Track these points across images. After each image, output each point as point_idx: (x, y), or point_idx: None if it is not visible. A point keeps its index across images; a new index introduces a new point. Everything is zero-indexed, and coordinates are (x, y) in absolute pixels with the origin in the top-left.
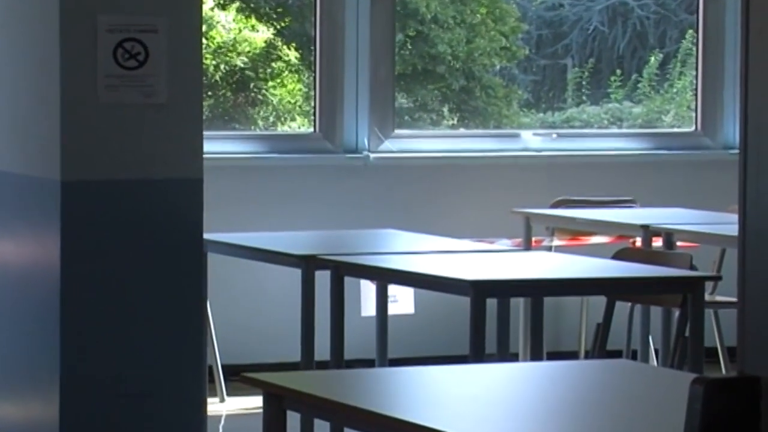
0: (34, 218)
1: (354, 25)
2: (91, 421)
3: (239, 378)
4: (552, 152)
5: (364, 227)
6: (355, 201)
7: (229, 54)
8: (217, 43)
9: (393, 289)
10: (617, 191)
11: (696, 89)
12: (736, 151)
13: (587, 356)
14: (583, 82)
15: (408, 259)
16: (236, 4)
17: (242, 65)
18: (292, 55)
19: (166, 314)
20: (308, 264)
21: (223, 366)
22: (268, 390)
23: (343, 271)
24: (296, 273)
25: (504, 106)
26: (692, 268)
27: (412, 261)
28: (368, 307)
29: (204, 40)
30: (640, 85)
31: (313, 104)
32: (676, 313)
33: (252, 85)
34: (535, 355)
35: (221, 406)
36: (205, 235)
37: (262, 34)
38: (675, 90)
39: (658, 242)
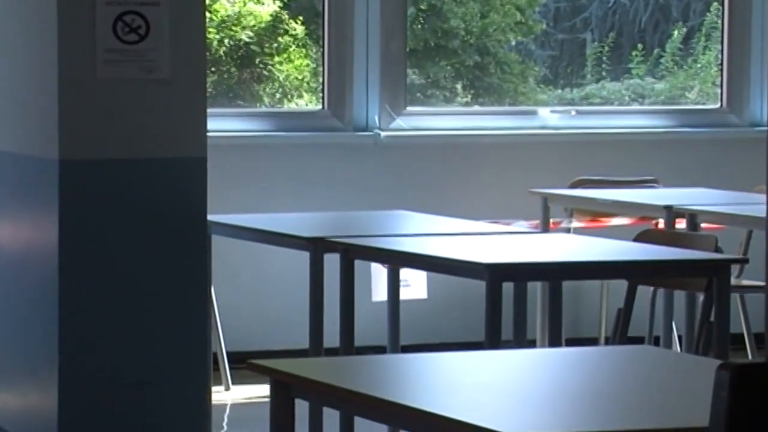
0: (32, 199)
1: None
2: (91, 411)
3: (245, 365)
4: (570, 130)
5: (374, 208)
6: (365, 181)
7: (234, 28)
8: (221, 16)
9: (405, 273)
10: (639, 171)
11: (721, 64)
12: (764, 128)
13: (608, 343)
14: (603, 57)
15: (420, 241)
16: None
17: (247, 40)
18: (299, 29)
19: (169, 299)
20: (317, 247)
21: (228, 353)
22: (276, 378)
23: (353, 254)
24: (304, 256)
25: (520, 83)
26: (717, 250)
27: (424, 243)
28: (379, 292)
29: (207, 14)
30: (662, 60)
31: (321, 80)
32: (701, 297)
33: (257, 60)
34: (554, 342)
35: (226, 394)
36: (209, 217)
37: (267, 8)
38: (699, 65)
39: (681, 224)
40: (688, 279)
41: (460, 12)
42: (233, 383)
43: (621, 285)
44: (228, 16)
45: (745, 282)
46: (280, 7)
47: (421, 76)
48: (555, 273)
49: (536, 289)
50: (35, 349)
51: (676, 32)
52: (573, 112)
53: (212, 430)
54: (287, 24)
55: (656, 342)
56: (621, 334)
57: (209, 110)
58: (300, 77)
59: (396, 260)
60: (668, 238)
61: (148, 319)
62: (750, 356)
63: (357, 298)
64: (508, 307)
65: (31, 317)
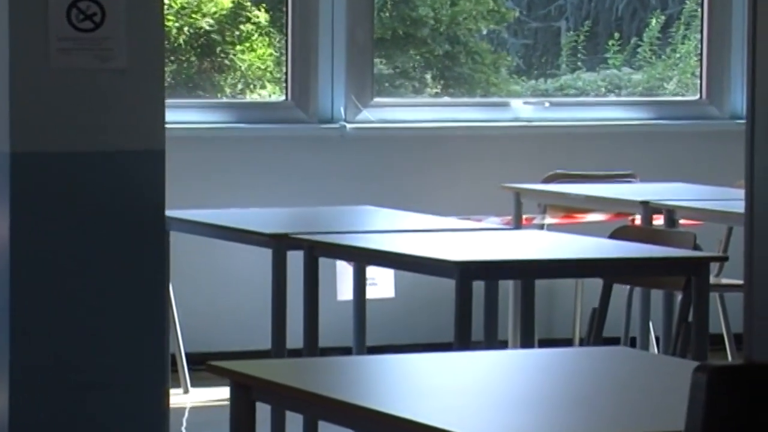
0: None
1: None
2: (43, 414)
3: (204, 367)
4: (544, 122)
5: (340, 203)
6: (331, 175)
7: (194, 15)
8: (181, 3)
9: (371, 271)
10: (615, 165)
11: (701, 54)
12: (744, 121)
13: (582, 344)
14: (579, 47)
15: (388, 238)
16: None
17: (208, 27)
18: (262, 16)
19: (125, 298)
20: (279, 243)
21: (186, 354)
22: (236, 380)
23: (318, 251)
24: (266, 253)
25: (492, 73)
26: (696, 248)
27: (392, 240)
28: (345, 291)
29: (166, 0)
30: (640, 49)
31: (284, 70)
32: (679, 296)
33: (218, 49)
34: (526, 343)
35: (185, 397)
36: (167, 212)
37: None
38: (678, 55)
39: (659, 220)
40: (666, 277)
41: None
42: (192, 386)
43: (596, 284)
44: (188, 2)
45: (725, 281)
46: None
47: (388, 65)
48: (527, 271)
49: (508, 288)
50: None
51: (654, 20)
52: (547, 104)
53: None
54: (249, 11)
55: (632, 343)
56: (596, 335)
57: (168, 101)
58: (263, 67)
59: (362, 258)
60: (645, 234)
61: (103, 319)
62: (730, 358)
63: (321, 297)
64: (478, 306)
65: None
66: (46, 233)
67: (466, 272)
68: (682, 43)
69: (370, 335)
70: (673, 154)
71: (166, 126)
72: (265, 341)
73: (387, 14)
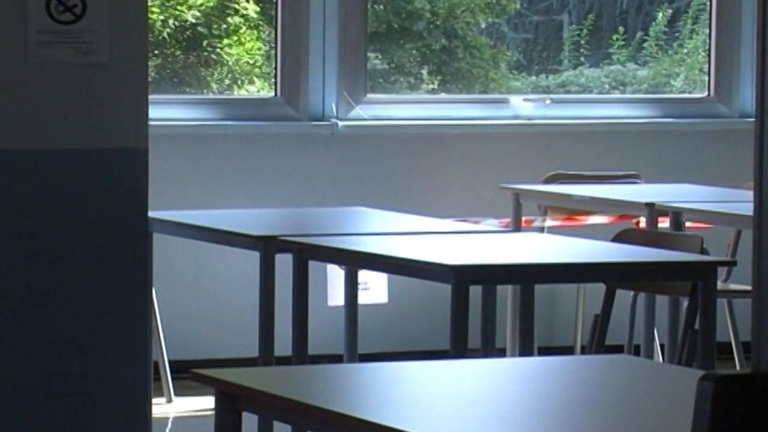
0: None
1: None
2: (19, 425)
3: (188, 375)
4: (545, 120)
5: (331, 205)
6: (322, 175)
7: (179, 8)
8: None
9: (364, 275)
10: (619, 165)
11: (709, 49)
12: (754, 119)
13: (584, 352)
14: (582, 41)
15: (381, 241)
16: None
17: (194, 20)
18: (251, 8)
19: (106, 303)
20: (267, 246)
21: (170, 362)
22: (221, 389)
23: (308, 254)
24: (254, 256)
25: (491, 69)
26: (703, 252)
27: (385, 243)
28: (336, 296)
29: None
30: (645, 44)
31: (274, 65)
32: (685, 303)
33: (204, 42)
34: (525, 350)
35: (168, 407)
36: (151, 213)
37: None
38: (685, 50)
39: (664, 223)
40: (672, 283)
41: None
42: (176, 395)
43: (598, 289)
44: None
45: (733, 286)
46: None
47: (383, 60)
48: (527, 276)
49: (506, 293)
50: None
51: (660, 14)
52: (548, 101)
53: None
54: (237, 3)
55: (636, 351)
56: (598, 343)
57: (151, 97)
58: (251, 61)
59: (354, 261)
60: (650, 238)
61: (83, 325)
62: (738, 367)
63: (311, 303)
64: (475, 312)
65: None
66: (22, 235)
67: (462, 277)
68: (690, 38)
69: (362, 342)
70: (679, 154)
71: (150, 123)
72: (252, 348)
73: (381, 6)
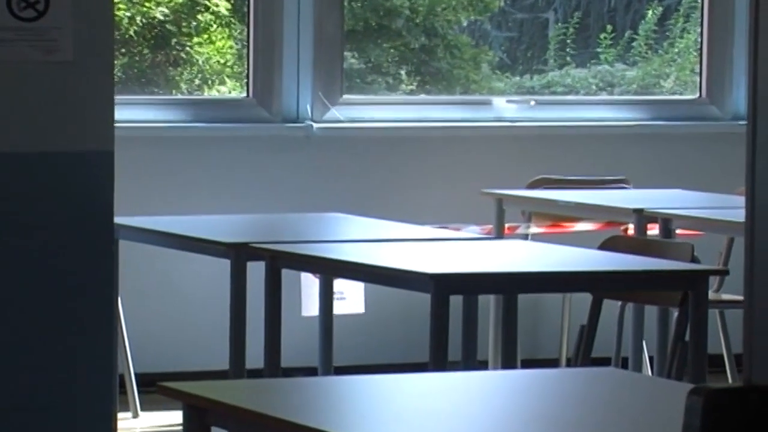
0: None
1: None
2: None
3: (155, 389)
4: (529, 123)
5: (305, 210)
6: (296, 179)
7: (147, 4)
8: None
9: (340, 284)
10: (606, 169)
11: (701, 49)
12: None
13: (569, 364)
14: (568, 40)
15: (358, 248)
16: None
17: (162, 17)
18: (222, 5)
19: (69, 313)
20: (239, 253)
21: (136, 375)
22: (190, 403)
23: (281, 262)
24: (224, 264)
25: (472, 69)
26: (694, 260)
27: (362, 251)
28: (310, 306)
29: None
30: (634, 43)
31: (246, 64)
32: (675, 313)
33: (173, 41)
34: (508, 363)
35: (134, 422)
36: (116, 219)
37: None
38: (676, 50)
39: (654, 230)
40: (661, 292)
41: None
42: (142, 409)
43: (585, 299)
44: None
45: (725, 296)
46: None
47: (360, 60)
48: (510, 285)
49: (488, 303)
50: None
51: (650, 12)
52: (532, 103)
53: None
54: (208, 0)
55: (624, 364)
56: (584, 355)
57: (117, 97)
58: (222, 61)
59: (329, 269)
60: (639, 245)
61: (44, 336)
62: (730, 380)
63: (284, 313)
64: (456, 323)
65: None
66: None
67: (442, 286)
68: (681, 37)
69: (337, 354)
70: (669, 158)
71: (116, 125)
72: (222, 361)
73: (358, 4)
